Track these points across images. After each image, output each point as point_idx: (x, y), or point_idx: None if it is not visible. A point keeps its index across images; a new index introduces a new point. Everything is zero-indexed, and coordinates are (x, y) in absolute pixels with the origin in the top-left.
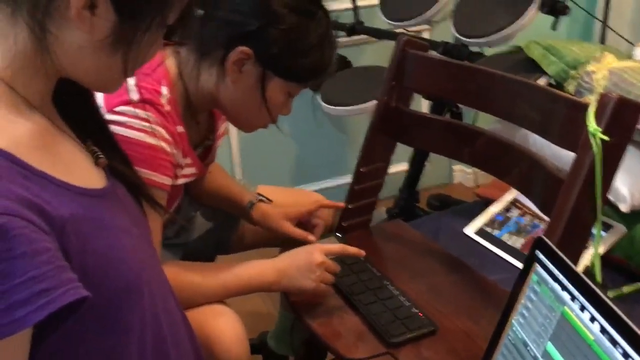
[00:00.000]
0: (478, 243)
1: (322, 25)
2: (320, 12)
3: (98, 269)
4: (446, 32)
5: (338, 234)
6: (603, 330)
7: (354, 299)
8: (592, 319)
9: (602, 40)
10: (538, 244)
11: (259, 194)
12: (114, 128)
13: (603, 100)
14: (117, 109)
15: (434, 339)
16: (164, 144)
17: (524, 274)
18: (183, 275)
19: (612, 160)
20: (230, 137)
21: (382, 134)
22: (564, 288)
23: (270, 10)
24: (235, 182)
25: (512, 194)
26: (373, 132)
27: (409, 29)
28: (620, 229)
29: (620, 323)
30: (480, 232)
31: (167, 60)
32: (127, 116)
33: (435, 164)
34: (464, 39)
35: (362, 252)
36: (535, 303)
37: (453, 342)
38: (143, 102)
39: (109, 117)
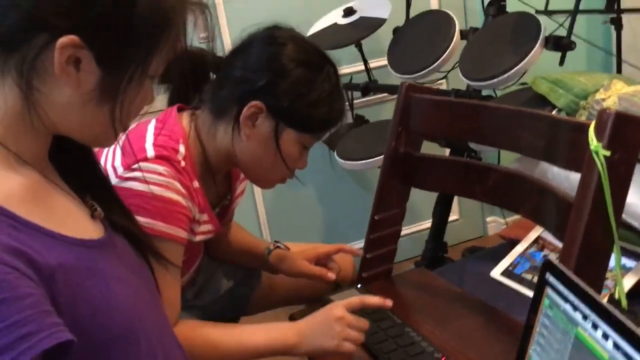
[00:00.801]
0: (505, 285)
1: (330, 79)
2: (328, 66)
3: (91, 315)
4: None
5: (359, 286)
6: (616, 346)
7: (374, 349)
8: (605, 336)
9: (619, 72)
10: (547, 266)
11: (277, 241)
12: (130, 184)
13: (601, 116)
14: (134, 166)
15: None
16: (179, 197)
17: (536, 300)
18: (199, 330)
19: (619, 177)
20: (256, 198)
21: (394, 179)
22: (576, 308)
23: (279, 65)
24: (251, 235)
25: (538, 231)
26: (385, 178)
27: (422, 80)
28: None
29: (632, 336)
30: (506, 273)
31: (185, 121)
32: (142, 171)
33: (468, 218)
34: (472, 83)
35: (387, 302)
36: (549, 329)
37: None
38: (159, 159)
39: (126, 174)
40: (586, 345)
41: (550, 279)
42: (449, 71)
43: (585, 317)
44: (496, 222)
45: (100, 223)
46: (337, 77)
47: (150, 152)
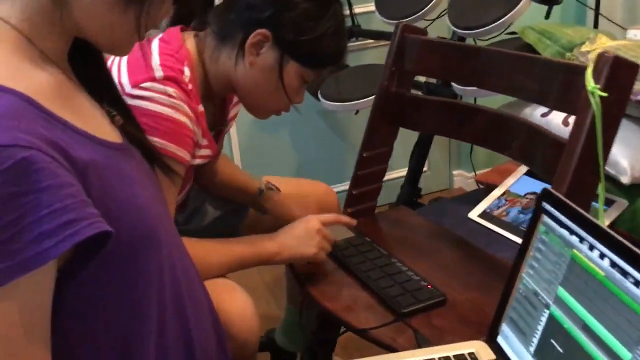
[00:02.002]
0: (483, 226)
1: (336, 16)
2: (335, 3)
3: (118, 214)
4: (442, 29)
5: None
6: (613, 264)
7: (363, 275)
8: (602, 256)
9: (595, 27)
10: (544, 196)
11: (267, 182)
12: (140, 102)
13: (600, 59)
14: (143, 84)
15: (443, 309)
16: (187, 120)
17: (531, 227)
18: (189, 245)
19: (611, 118)
20: (232, 138)
21: (384, 119)
22: (572, 232)
23: None
24: (242, 171)
25: (514, 177)
26: (375, 117)
27: None
28: (622, 203)
29: (630, 254)
30: (484, 215)
31: (189, 43)
32: (153, 91)
33: (435, 170)
34: (460, 31)
35: (354, 221)
36: (544, 252)
37: (463, 311)
38: (168, 80)
39: (134, 92)
40: (582, 265)
41: (547, 206)
42: (435, 19)
43: (582, 240)
44: (462, 176)
45: (118, 130)
46: (342, 15)
47: (159, 72)
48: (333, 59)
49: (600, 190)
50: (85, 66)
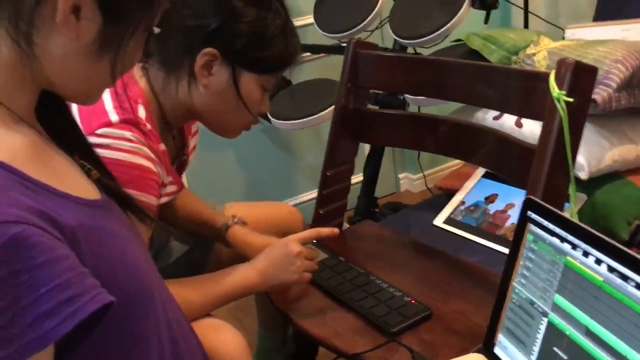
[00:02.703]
0: (449, 232)
1: (280, 15)
2: (276, 2)
3: (112, 276)
4: (381, 39)
5: (314, 241)
6: (611, 269)
7: (345, 298)
8: (598, 262)
9: (526, 27)
10: (528, 204)
11: (233, 216)
12: (98, 151)
13: (561, 66)
14: (99, 131)
15: (431, 323)
16: (150, 164)
17: (518, 236)
18: (172, 288)
19: (577, 121)
20: None
21: (344, 136)
22: (563, 240)
23: (230, 7)
24: (206, 206)
25: (473, 180)
26: (335, 135)
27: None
28: (581, 197)
29: (628, 258)
30: (449, 221)
31: (138, 77)
32: (110, 138)
33: (382, 175)
34: (403, 41)
35: (336, 230)
36: (535, 261)
37: (450, 323)
38: (124, 123)
39: (91, 140)
40: (577, 272)
41: (533, 215)
42: (374, 30)
43: (574, 247)
44: (407, 178)
45: (94, 184)
46: (286, 11)
47: (114, 116)
48: (287, 59)
49: (571, 190)
50: (51, 118)
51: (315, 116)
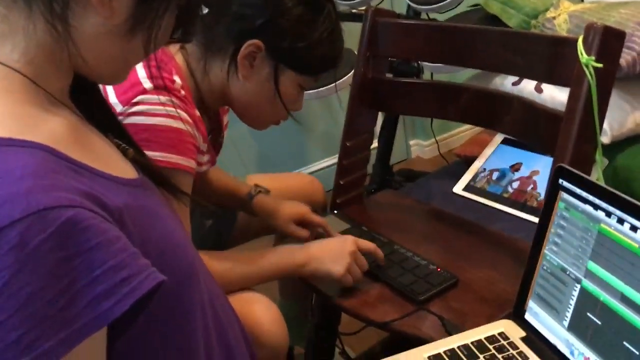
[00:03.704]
0: (470, 199)
1: (330, 19)
2: (329, 4)
3: (158, 256)
4: (390, 4)
5: (335, 211)
6: None
7: (371, 267)
8: (634, 228)
9: None
10: (560, 172)
11: (256, 185)
12: (136, 119)
13: (589, 30)
14: (136, 99)
15: (458, 291)
16: (187, 127)
17: (549, 204)
18: (213, 262)
19: (605, 87)
20: None
21: (363, 105)
22: (597, 207)
23: (278, 3)
24: (229, 176)
25: (492, 147)
26: (354, 105)
27: (360, 5)
28: (603, 161)
29: None
30: (469, 188)
31: (177, 56)
32: (147, 104)
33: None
34: (418, 6)
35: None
36: (567, 229)
37: (478, 290)
38: (158, 89)
39: (128, 109)
40: (612, 238)
41: (564, 183)
42: None
43: (609, 215)
44: (418, 145)
45: (131, 163)
46: (337, 16)
47: (147, 83)
48: (330, 63)
49: (598, 156)
50: (84, 99)
51: (331, 85)
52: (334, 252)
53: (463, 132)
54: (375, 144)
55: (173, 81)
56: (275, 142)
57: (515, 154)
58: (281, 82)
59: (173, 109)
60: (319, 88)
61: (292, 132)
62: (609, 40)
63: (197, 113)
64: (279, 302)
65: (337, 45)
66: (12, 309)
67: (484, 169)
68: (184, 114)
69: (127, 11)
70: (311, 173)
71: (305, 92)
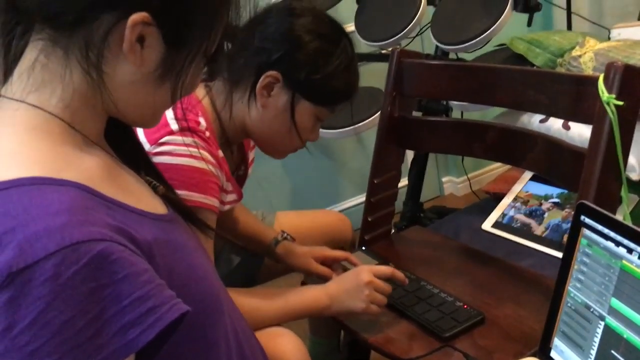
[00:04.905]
0: (498, 236)
1: (346, 52)
2: (345, 38)
3: (184, 287)
4: (421, 45)
5: (363, 248)
6: None
7: (397, 303)
8: None
9: (569, 29)
10: (582, 209)
11: (283, 231)
12: (161, 158)
13: (610, 69)
14: (161, 140)
15: (484, 328)
16: (210, 167)
17: (572, 241)
18: (241, 300)
19: (627, 124)
20: None
21: (390, 143)
22: (618, 244)
23: (296, 36)
24: (257, 220)
25: (521, 184)
26: (381, 143)
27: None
28: (633, 198)
29: None
30: (498, 225)
31: (200, 94)
32: (172, 145)
33: (425, 179)
34: (447, 47)
35: (406, 281)
36: (590, 265)
37: (504, 328)
38: (184, 130)
39: (154, 149)
40: (634, 275)
41: (586, 220)
42: (415, 36)
43: (630, 251)
44: (451, 182)
45: (161, 199)
46: (352, 50)
47: (174, 125)
48: (345, 95)
49: (624, 193)
50: (118, 139)
51: (360, 124)
52: (351, 288)
53: (495, 169)
54: (405, 181)
55: (198, 122)
56: (307, 178)
57: (543, 190)
58: (297, 112)
59: (196, 150)
60: (350, 126)
61: (324, 169)
62: (630, 79)
63: (221, 154)
64: (310, 338)
65: (353, 78)
66: (47, 336)
67: (513, 206)
68: (207, 154)
69: (157, 60)
70: (343, 210)
71: (338, 130)
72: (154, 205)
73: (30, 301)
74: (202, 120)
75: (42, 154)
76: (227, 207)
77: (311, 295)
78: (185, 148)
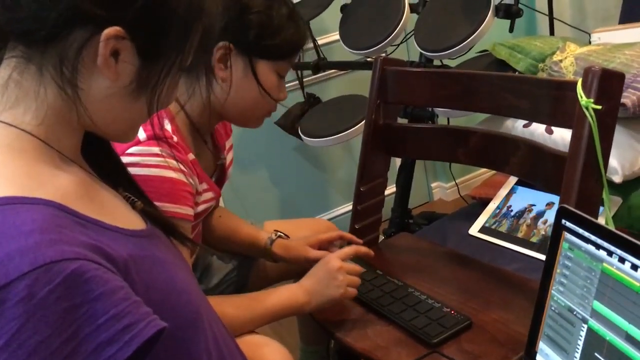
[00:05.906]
0: (485, 241)
1: (286, 3)
2: None
3: (162, 302)
4: (406, 52)
5: None
6: None
7: (385, 310)
8: (634, 267)
9: (551, 34)
10: (562, 213)
11: (276, 231)
12: (131, 170)
13: (587, 74)
14: (130, 150)
15: (471, 333)
16: (179, 175)
17: (554, 245)
18: (221, 308)
19: (606, 127)
20: None
21: (376, 151)
22: (599, 247)
23: (233, 1)
24: (245, 223)
25: (506, 189)
26: (367, 151)
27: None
28: (616, 200)
29: None
30: (484, 230)
31: None
32: (140, 155)
33: (414, 185)
34: (429, 54)
35: (371, 252)
36: (571, 269)
37: (491, 332)
38: (151, 139)
39: (124, 160)
40: (615, 278)
41: (567, 223)
42: (400, 44)
43: (610, 254)
44: (440, 187)
45: (139, 213)
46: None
47: (141, 134)
48: (298, 43)
49: (605, 196)
50: (95, 154)
51: (346, 132)
52: (324, 278)
53: (483, 175)
54: (394, 188)
55: (162, 127)
56: (295, 187)
57: (528, 194)
58: (259, 74)
59: (165, 159)
60: (336, 134)
61: (312, 178)
62: (607, 83)
63: (191, 156)
64: (300, 347)
65: (300, 26)
66: (22, 357)
67: (499, 210)
68: (175, 163)
69: (132, 74)
70: (332, 218)
71: (324, 138)
72: (130, 220)
73: (4, 322)
74: (167, 124)
75: (15, 173)
76: (202, 206)
77: (289, 294)
78: (152, 158)
